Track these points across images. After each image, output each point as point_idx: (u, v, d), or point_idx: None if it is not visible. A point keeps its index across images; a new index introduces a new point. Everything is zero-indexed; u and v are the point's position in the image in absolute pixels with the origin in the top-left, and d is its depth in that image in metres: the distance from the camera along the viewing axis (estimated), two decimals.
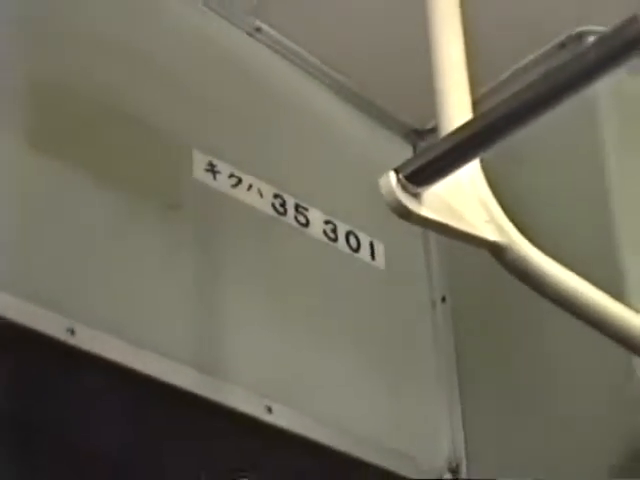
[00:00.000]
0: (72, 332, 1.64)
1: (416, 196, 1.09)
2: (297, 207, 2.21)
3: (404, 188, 1.08)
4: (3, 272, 1.60)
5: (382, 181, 1.11)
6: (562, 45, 2.27)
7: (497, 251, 1.24)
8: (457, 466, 2.34)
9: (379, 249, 2.37)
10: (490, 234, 1.29)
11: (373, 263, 2.36)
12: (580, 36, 2.26)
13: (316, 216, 2.24)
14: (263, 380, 1.95)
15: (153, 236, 1.89)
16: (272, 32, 2.30)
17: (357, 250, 2.31)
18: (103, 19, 2.04)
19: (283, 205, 2.18)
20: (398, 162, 1.16)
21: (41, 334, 1.61)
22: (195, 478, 1.78)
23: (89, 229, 1.80)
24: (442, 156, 1.11)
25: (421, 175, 1.12)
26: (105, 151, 1.87)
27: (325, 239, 2.25)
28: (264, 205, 2.11)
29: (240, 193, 2.09)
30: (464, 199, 1.25)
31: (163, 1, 2.19)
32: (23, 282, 1.63)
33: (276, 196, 2.16)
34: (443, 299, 2.46)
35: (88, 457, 1.67)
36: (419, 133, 2.47)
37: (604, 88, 2.10)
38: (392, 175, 1.10)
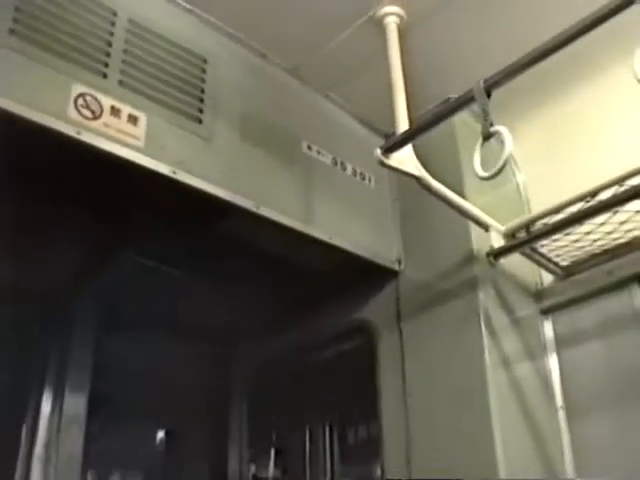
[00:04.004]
0: None
1: (386, 157, 3.14)
2: (335, 161, 3.78)
3: (382, 154, 3.13)
4: None
5: (375, 152, 3.18)
6: None
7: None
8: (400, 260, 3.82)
9: (371, 178, 3.98)
10: (414, 171, 3.31)
11: (366, 183, 3.97)
12: None
13: (348, 166, 3.86)
14: None
15: None
16: None
17: (364, 179, 3.93)
18: None
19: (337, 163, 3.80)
20: (379, 144, 3.17)
21: None
22: None
23: None
24: (394, 145, 3.11)
25: (388, 150, 3.14)
26: None
27: (349, 174, 3.88)
28: (328, 160, 3.73)
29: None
30: (405, 159, 3.17)
31: None
32: None
33: (335, 160, 3.76)
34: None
35: None
36: (387, 134, 3.71)
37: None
38: (378, 149, 3.15)
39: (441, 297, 3.60)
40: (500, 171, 2.72)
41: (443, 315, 3.57)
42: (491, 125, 2.71)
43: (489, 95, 2.71)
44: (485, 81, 2.68)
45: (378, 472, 4.32)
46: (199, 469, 5.91)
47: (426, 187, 3.21)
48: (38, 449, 4.36)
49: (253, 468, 4.87)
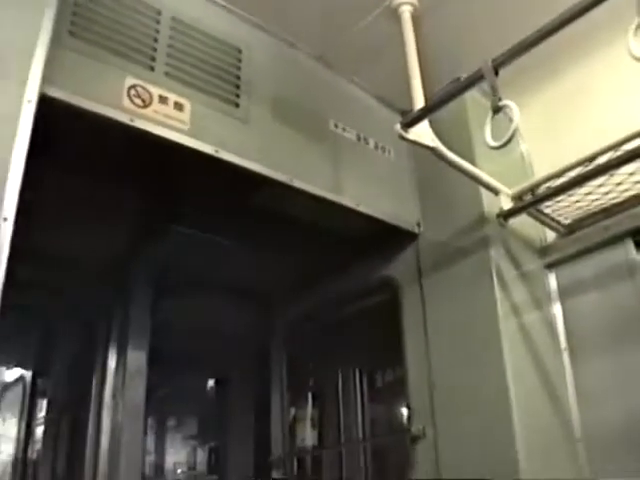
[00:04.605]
0: None
1: (405, 131, 3.17)
2: (359, 137, 3.78)
3: (402, 129, 3.16)
4: None
5: (395, 127, 3.21)
6: None
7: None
8: (419, 223, 3.84)
9: (392, 151, 3.98)
10: (431, 143, 3.34)
11: (387, 155, 3.96)
12: None
13: (370, 140, 3.87)
14: None
15: None
16: None
17: (384, 152, 3.92)
18: None
19: (360, 138, 3.80)
20: (397, 120, 3.18)
21: None
22: None
23: None
24: (412, 121, 3.14)
25: (406, 125, 3.16)
26: None
27: (371, 148, 3.89)
28: (352, 136, 3.74)
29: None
30: (422, 132, 3.21)
31: None
32: None
33: (359, 136, 3.78)
34: None
35: None
36: (404, 111, 3.54)
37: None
38: (397, 125, 3.18)
39: (457, 255, 3.61)
40: (509, 141, 2.73)
41: (459, 271, 3.59)
42: (499, 100, 2.72)
43: (497, 73, 2.71)
44: (493, 60, 2.69)
45: (403, 410, 4.32)
46: (245, 413, 6.01)
47: (441, 157, 3.23)
48: (107, 398, 4.46)
49: (293, 410, 4.89)
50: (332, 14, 3.69)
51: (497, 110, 2.73)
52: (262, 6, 3.54)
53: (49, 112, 2.34)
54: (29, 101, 2.20)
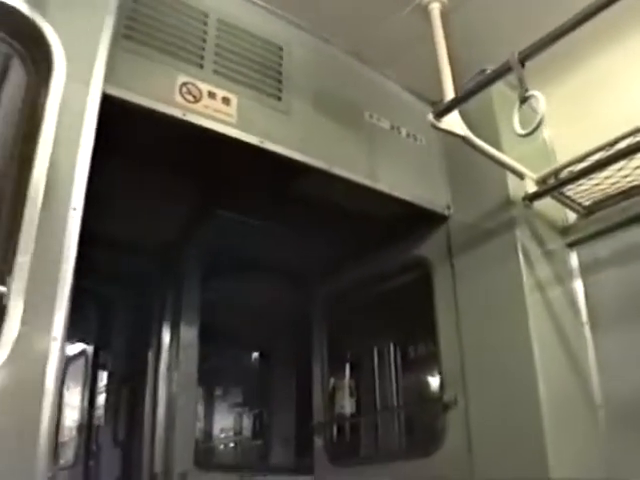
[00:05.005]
0: None
1: (437, 121, 3.19)
2: (392, 126, 3.78)
3: (434, 119, 3.18)
4: None
5: (427, 117, 3.22)
6: None
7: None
8: (449, 206, 3.87)
9: (422, 139, 3.96)
10: (461, 132, 3.37)
11: (418, 143, 3.95)
12: None
13: (402, 130, 3.86)
14: None
15: None
16: None
17: (416, 140, 3.92)
18: None
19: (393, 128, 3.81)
20: (426, 110, 3.25)
21: None
22: None
23: None
24: (443, 111, 3.17)
25: (439, 115, 3.18)
26: None
27: (404, 136, 3.89)
28: (386, 125, 3.74)
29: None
30: (453, 122, 3.22)
31: None
32: None
33: (392, 126, 3.78)
34: None
35: None
36: (434, 102, 3.54)
37: None
38: (430, 115, 3.20)
39: (485, 236, 3.61)
40: (536, 129, 2.74)
41: (487, 250, 3.60)
42: (526, 91, 2.69)
43: (523, 65, 2.71)
44: (520, 53, 2.68)
45: (435, 380, 4.41)
46: (287, 383, 6.07)
47: (471, 144, 3.23)
48: (162, 370, 4.52)
49: (332, 380, 4.91)
50: (365, 12, 3.70)
51: (524, 100, 2.72)
52: (300, 6, 3.55)
53: (110, 109, 2.36)
54: (93, 100, 2.22)
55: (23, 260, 1.87)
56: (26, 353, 1.82)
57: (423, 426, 4.53)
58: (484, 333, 3.50)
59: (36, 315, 1.86)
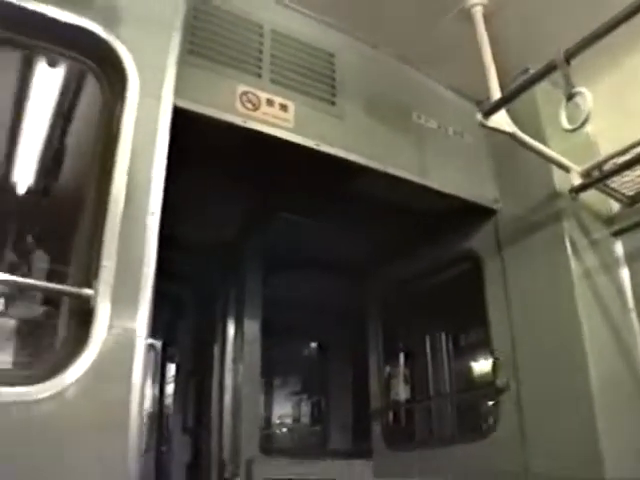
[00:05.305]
0: None
1: (485, 119, 3.16)
2: (439, 126, 3.80)
3: (482, 118, 3.15)
4: None
5: (476, 116, 3.20)
6: None
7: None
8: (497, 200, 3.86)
9: (469, 136, 3.95)
10: (508, 129, 3.31)
11: (465, 141, 3.95)
12: None
13: (449, 128, 3.86)
14: None
15: None
16: None
17: (462, 137, 3.92)
18: None
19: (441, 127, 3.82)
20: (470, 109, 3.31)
21: None
22: None
23: None
24: (491, 110, 3.13)
25: (487, 113, 3.15)
26: None
27: (451, 134, 3.90)
28: (433, 125, 3.77)
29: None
30: (500, 119, 3.17)
31: None
32: None
33: (439, 125, 3.78)
34: None
35: None
36: (478, 101, 3.74)
37: None
38: (478, 114, 3.18)
39: (533, 227, 3.57)
40: (584, 124, 2.69)
41: (535, 241, 3.56)
42: (572, 87, 2.65)
43: (569, 63, 2.66)
44: (566, 51, 2.63)
45: (486, 366, 4.33)
46: (344, 372, 6.10)
47: (518, 141, 3.18)
48: (228, 363, 4.58)
49: (387, 369, 4.92)
50: (411, 18, 3.66)
51: (571, 97, 2.67)
52: (348, 14, 3.54)
53: (177, 120, 2.39)
54: (165, 112, 2.26)
55: (108, 264, 1.92)
56: (115, 350, 1.88)
57: (475, 411, 4.48)
58: (534, 320, 3.46)
59: (122, 315, 1.91)
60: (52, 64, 2.95)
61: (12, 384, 1.76)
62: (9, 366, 2.62)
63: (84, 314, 1.90)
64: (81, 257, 2.06)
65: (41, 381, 1.77)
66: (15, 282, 2.37)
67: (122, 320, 1.90)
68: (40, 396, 1.74)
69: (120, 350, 1.87)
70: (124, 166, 2.05)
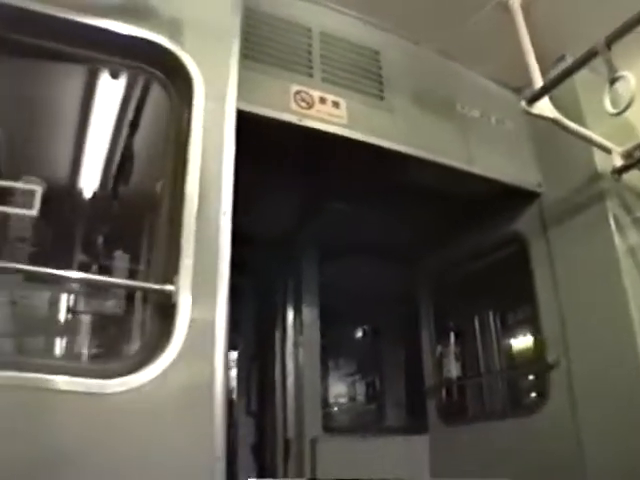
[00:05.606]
0: None
1: (529, 107, 3.13)
2: (482, 115, 3.79)
3: (527, 105, 3.13)
4: None
5: (520, 104, 3.17)
6: None
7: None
8: (540, 184, 3.80)
9: (510, 123, 3.92)
10: (551, 115, 3.26)
11: (507, 128, 3.92)
12: None
13: (492, 117, 3.84)
14: None
15: None
16: None
17: (504, 125, 3.86)
18: None
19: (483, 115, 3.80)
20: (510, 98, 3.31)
21: None
22: None
23: None
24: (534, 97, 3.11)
25: (530, 101, 3.12)
26: None
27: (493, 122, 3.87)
28: (476, 114, 3.75)
29: None
30: (543, 106, 3.16)
31: None
32: None
33: (482, 114, 3.75)
34: None
35: None
36: (516, 89, 3.79)
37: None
38: (522, 102, 3.15)
39: (577, 208, 3.53)
40: (628, 107, 2.65)
41: (580, 221, 3.52)
42: (615, 72, 2.61)
43: (610, 48, 2.63)
44: (606, 37, 2.61)
45: (532, 343, 4.39)
46: (396, 352, 6.11)
47: (561, 126, 3.15)
48: (289, 347, 4.64)
49: (439, 348, 4.92)
50: (450, 13, 3.65)
51: (613, 81, 2.63)
52: (390, 14, 3.55)
53: (239, 122, 2.40)
54: (229, 115, 2.29)
55: (187, 262, 1.95)
56: (197, 342, 1.92)
57: (525, 387, 4.54)
58: (582, 297, 3.43)
59: (202, 308, 1.94)
60: (115, 76, 3.01)
61: (105, 377, 1.81)
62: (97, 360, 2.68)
63: (166, 309, 1.93)
64: (160, 256, 2.10)
65: (131, 373, 1.82)
66: (104, 282, 2.43)
67: (202, 313, 1.93)
68: (132, 386, 1.80)
69: (202, 341, 1.91)
70: (196, 168, 2.08)
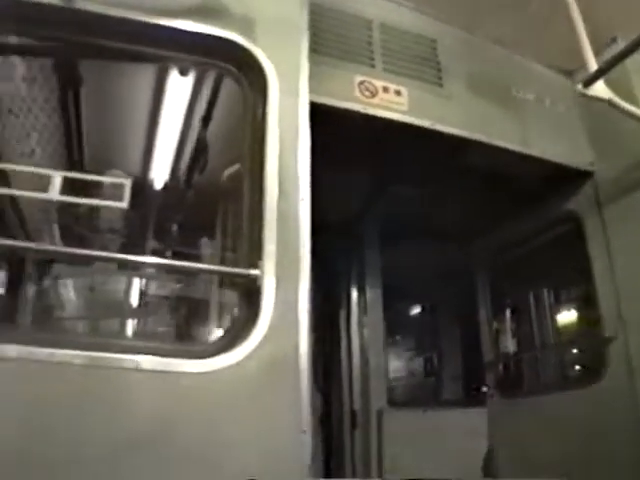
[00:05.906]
0: None
1: (585, 89, 3.06)
2: (536, 98, 3.70)
3: (583, 88, 3.07)
4: None
5: (577, 87, 3.11)
6: None
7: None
8: (592, 163, 3.72)
9: (564, 106, 3.81)
10: (606, 95, 3.17)
11: (560, 110, 3.81)
12: None
13: (546, 100, 3.76)
14: None
15: None
16: None
17: (558, 107, 3.75)
18: None
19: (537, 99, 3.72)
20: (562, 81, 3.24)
21: None
22: None
23: None
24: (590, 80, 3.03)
25: (586, 84, 3.05)
26: None
27: (547, 105, 3.77)
28: (531, 97, 3.67)
29: None
30: (599, 88, 3.08)
31: None
32: None
33: (536, 97, 3.67)
34: None
35: None
36: (567, 71, 3.80)
37: None
38: (579, 85, 3.08)
39: (631, 186, 3.44)
40: None
41: (635, 199, 3.42)
42: None
43: None
44: None
45: (586, 318, 4.37)
46: (453, 329, 6.10)
47: (616, 107, 3.05)
48: (353, 325, 4.66)
49: (495, 324, 4.89)
50: (502, 3, 3.59)
51: None
52: (446, 4, 3.58)
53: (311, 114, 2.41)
54: (303, 107, 2.29)
55: (270, 247, 1.97)
56: (282, 323, 1.94)
57: (581, 361, 4.52)
58: (638, 273, 3.33)
59: (286, 291, 1.98)
60: (184, 73, 3.05)
61: (197, 357, 1.84)
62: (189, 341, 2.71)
63: (252, 292, 1.97)
64: (244, 242, 2.12)
65: (224, 351, 1.85)
66: (195, 268, 2.48)
67: (286, 294, 1.95)
68: (225, 364, 1.83)
69: (286, 322, 1.94)
70: (274, 159, 2.10)
